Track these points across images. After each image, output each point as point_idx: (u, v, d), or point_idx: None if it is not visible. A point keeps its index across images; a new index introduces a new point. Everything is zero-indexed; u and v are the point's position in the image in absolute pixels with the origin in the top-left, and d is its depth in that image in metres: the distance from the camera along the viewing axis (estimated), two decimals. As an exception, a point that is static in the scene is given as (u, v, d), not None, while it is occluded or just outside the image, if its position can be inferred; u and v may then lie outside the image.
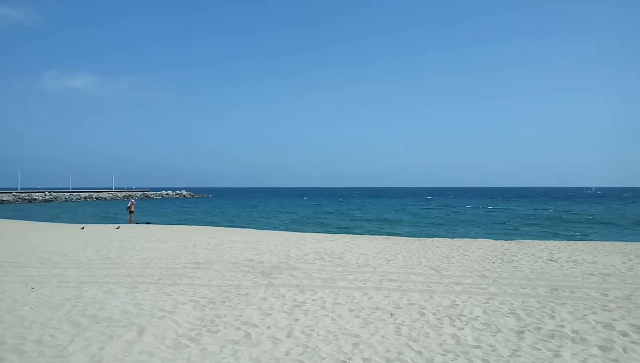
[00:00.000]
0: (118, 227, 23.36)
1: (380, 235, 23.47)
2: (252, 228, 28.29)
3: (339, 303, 7.67)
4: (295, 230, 26.50)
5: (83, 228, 23.43)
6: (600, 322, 6.53)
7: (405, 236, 22.58)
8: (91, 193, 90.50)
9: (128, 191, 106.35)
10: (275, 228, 28.34)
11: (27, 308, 7.25)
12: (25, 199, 75.68)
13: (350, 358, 5.17)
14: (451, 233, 25.36)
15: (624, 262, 12.06)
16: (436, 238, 20.18)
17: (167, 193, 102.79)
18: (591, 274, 10.32)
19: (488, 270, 10.93)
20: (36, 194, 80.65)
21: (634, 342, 5.69)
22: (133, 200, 31.10)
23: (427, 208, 56.68)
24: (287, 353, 5.35)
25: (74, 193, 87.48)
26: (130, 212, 29.33)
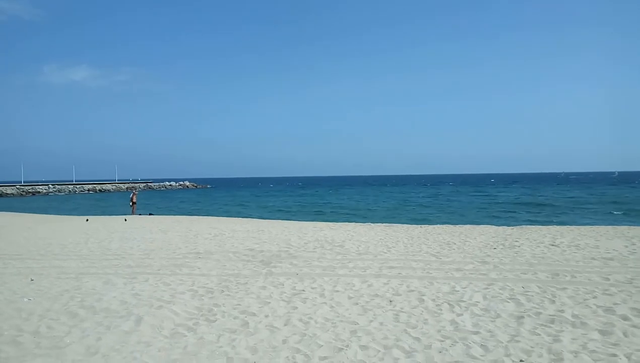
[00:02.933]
0: (126, 219, 23.20)
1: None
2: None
3: (338, 291, 7.64)
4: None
5: (87, 220, 23.43)
6: (600, 306, 6.47)
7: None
8: (95, 185, 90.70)
9: (132, 182, 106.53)
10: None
11: (25, 300, 7.25)
12: (29, 192, 75.93)
13: (347, 346, 5.13)
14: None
15: (626, 246, 11.98)
16: (438, 225, 20.11)
17: (170, 185, 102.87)
18: (593, 258, 10.24)
19: (489, 256, 10.87)
20: (40, 187, 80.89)
21: (634, 326, 5.63)
22: (135, 192, 31.13)
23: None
24: (284, 342, 5.32)
25: (78, 186, 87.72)
26: (133, 203, 29.36)
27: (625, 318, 5.95)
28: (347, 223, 22.36)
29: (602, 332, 5.44)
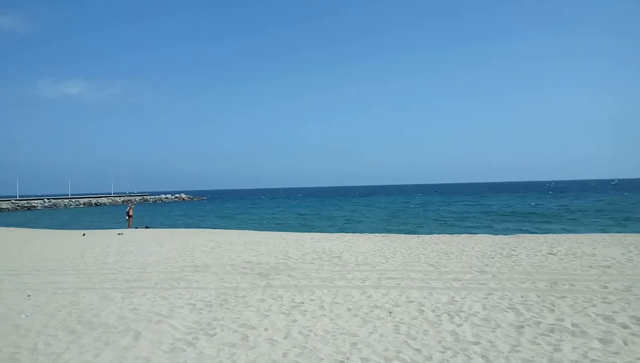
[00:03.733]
0: (121, 233, 22.99)
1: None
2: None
3: (337, 303, 7.61)
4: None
5: (84, 234, 23.23)
6: (600, 315, 6.48)
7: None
8: (90, 199, 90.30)
9: (128, 196, 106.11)
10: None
11: (22, 316, 7.19)
12: (24, 207, 75.53)
13: (348, 358, 5.11)
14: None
15: (623, 254, 12.02)
16: (435, 235, 20.13)
17: (166, 197, 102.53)
18: (590, 266, 10.27)
19: (487, 265, 10.88)
20: (35, 201, 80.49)
21: (634, 334, 5.64)
22: (131, 205, 30.99)
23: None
24: (284, 355, 5.29)
25: (73, 200, 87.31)
26: (129, 216, 29.23)
27: (624, 326, 5.96)
28: (344, 234, 22.33)
29: (602, 341, 5.44)
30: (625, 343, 5.35)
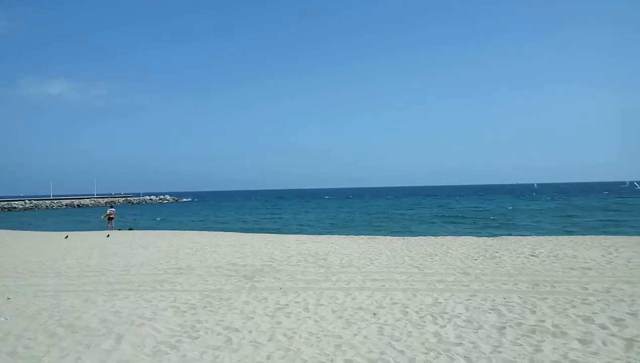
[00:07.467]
0: (108, 236, 22.48)
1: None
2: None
3: (322, 305, 7.62)
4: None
5: (67, 237, 22.78)
6: (580, 316, 6.59)
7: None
8: (73, 200, 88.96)
9: (113, 197, 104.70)
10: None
11: (1, 319, 7.05)
12: (5, 208, 74.08)
13: (332, 360, 5.12)
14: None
15: (603, 256, 12.23)
16: (420, 237, 20.26)
17: (150, 199, 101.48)
18: (571, 268, 10.44)
19: (470, 267, 10.99)
20: (16, 202, 79.00)
21: (613, 335, 5.75)
22: (113, 209, 30.50)
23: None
24: (268, 357, 5.28)
25: (55, 201, 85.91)
26: (110, 219, 28.83)
27: (604, 327, 6.07)
28: (330, 236, 22.35)
29: (582, 342, 5.53)
30: (604, 343, 5.45)
